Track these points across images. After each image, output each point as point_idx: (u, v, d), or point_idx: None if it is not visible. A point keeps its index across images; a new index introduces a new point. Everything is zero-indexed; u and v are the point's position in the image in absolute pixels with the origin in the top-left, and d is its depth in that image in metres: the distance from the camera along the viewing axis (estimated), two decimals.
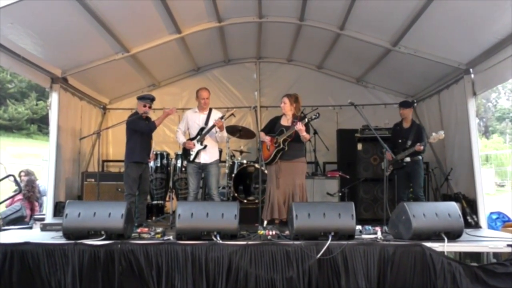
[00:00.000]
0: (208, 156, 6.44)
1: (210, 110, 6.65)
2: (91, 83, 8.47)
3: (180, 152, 8.26)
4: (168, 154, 8.31)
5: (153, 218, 7.85)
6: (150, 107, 6.64)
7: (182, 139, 6.63)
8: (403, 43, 7.16)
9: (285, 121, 6.34)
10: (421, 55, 7.21)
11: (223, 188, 8.29)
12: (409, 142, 6.85)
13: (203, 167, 6.44)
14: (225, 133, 6.47)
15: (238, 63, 9.84)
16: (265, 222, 6.13)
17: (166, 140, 9.53)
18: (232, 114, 6.52)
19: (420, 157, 6.87)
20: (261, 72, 9.84)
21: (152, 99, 6.68)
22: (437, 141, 6.66)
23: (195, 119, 6.62)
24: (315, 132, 8.78)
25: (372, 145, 8.02)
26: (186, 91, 9.84)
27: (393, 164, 6.94)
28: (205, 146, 6.40)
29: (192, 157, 6.46)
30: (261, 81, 9.84)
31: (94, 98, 9.00)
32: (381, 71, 8.63)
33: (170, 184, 8.04)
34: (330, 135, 9.22)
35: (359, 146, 8.12)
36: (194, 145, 6.45)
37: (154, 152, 7.82)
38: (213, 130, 6.40)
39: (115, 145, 9.56)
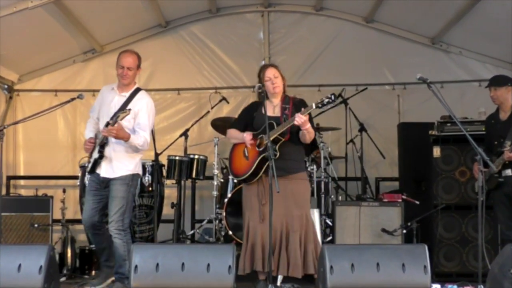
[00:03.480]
0: (112, 167, 6.40)
1: (137, 91, 6.58)
2: None
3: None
4: None
5: (93, 272, 7.83)
6: None
7: (87, 131, 6.62)
8: None
9: (270, 109, 6.27)
10: None
11: (209, 221, 8.25)
12: (508, 143, 6.77)
13: (105, 185, 6.44)
14: (136, 140, 6.32)
15: (234, 14, 9.87)
16: (280, 279, 6.10)
17: None
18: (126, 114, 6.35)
19: None
20: (272, 28, 9.87)
21: None
22: None
23: (109, 102, 6.53)
24: (362, 128, 8.75)
25: (458, 149, 7.94)
26: (147, 60, 9.73)
27: (486, 181, 6.87)
28: (102, 157, 6.36)
29: (89, 168, 6.46)
30: (272, 43, 9.86)
31: None
32: (472, 27, 8.60)
33: None
34: (387, 132, 9.25)
35: (437, 151, 8.05)
36: (94, 147, 6.45)
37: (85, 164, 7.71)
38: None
39: (29, 150, 9.57)
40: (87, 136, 6.55)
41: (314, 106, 5.89)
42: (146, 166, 8.07)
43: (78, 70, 9.70)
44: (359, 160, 8.72)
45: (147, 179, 8.00)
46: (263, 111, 6.11)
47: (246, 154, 6.18)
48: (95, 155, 6.36)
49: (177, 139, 8.53)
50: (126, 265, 6.23)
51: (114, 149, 6.36)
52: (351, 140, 8.71)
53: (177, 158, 8.14)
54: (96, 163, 6.36)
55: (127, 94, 6.45)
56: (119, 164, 6.37)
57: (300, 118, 5.85)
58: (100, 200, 6.43)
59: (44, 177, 9.15)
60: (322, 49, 9.62)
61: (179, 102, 9.79)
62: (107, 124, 6.22)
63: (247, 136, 6.18)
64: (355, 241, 7.36)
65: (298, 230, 6.01)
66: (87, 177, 6.53)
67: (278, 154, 5.94)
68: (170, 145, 8.45)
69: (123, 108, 6.30)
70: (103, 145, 6.33)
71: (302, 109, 5.99)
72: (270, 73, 6.25)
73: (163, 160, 8.12)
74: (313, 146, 8.50)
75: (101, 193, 6.41)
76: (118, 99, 6.45)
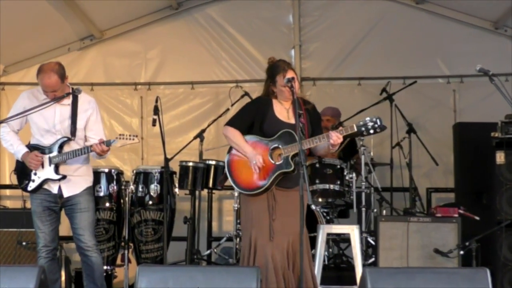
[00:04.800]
0: (75, 183, 6.49)
1: (75, 97, 6.55)
2: None
3: (142, 169, 8.25)
4: (119, 173, 8.33)
5: None
6: None
7: (16, 146, 6.54)
8: None
9: (282, 113, 6.23)
10: None
11: (229, 239, 8.25)
12: None
13: (65, 200, 6.48)
14: (108, 154, 6.58)
15: None
16: None
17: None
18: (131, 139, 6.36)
19: None
20: (304, 11, 9.89)
21: None
22: None
23: (45, 114, 6.51)
24: (410, 129, 8.71)
25: None
26: (155, 49, 9.93)
27: None
28: (63, 177, 6.43)
29: (31, 186, 6.46)
30: (303, 28, 9.89)
31: None
32: None
33: (124, 231, 8.08)
34: (440, 134, 9.26)
35: (500, 157, 8.00)
36: (42, 164, 6.45)
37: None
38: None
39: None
40: (20, 151, 6.48)
41: (355, 129, 5.83)
42: (154, 174, 8.11)
43: (74, 59, 9.77)
44: (407, 167, 8.69)
45: (155, 188, 8.03)
46: (276, 114, 6.16)
47: (256, 165, 6.08)
48: (50, 174, 6.40)
49: (190, 141, 8.53)
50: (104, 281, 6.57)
51: (70, 165, 6.46)
52: (398, 144, 8.66)
53: (190, 164, 8.14)
54: (45, 182, 6.42)
55: (68, 101, 6.49)
56: (80, 179, 6.51)
57: (338, 139, 5.82)
58: (57, 219, 6.55)
59: None
60: (362, 36, 9.63)
61: (193, 98, 9.85)
62: (62, 144, 6.38)
63: (259, 159, 6.03)
64: (403, 264, 7.32)
65: (307, 251, 6.05)
66: (34, 197, 6.51)
67: (295, 169, 5.93)
68: (183, 148, 8.43)
69: (74, 118, 6.42)
70: (59, 165, 6.40)
71: (340, 127, 5.96)
72: (292, 77, 6.12)
73: (174, 166, 8.12)
74: (353, 150, 8.49)
75: (57, 212, 6.52)
76: (61, 109, 6.48)
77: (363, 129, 5.80)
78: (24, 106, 6.45)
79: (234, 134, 6.17)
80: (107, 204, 8.08)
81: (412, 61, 9.45)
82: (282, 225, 6.00)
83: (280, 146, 6.01)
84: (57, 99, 6.34)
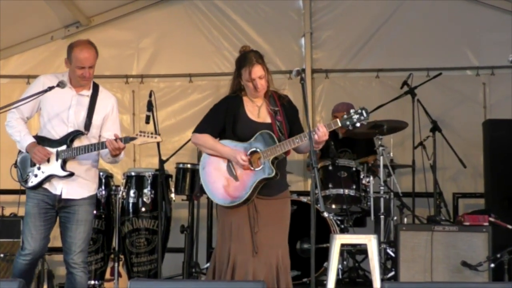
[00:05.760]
0: (80, 186, 6.50)
1: (96, 87, 6.63)
2: None
3: (133, 172, 8.25)
4: (108, 177, 8.35)
5: None
6: None
7: (24, 134, 6.52)
8: None
9: (253, 112, 6.27)
10: None
11: None
12: None
13: (63, 204, 6.47)
14: (121, 156, 6.57)
15: None
16: None
17: None
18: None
19: None
20: None
21: None
22: None
23: (64, 102, 6.57)
24: (435, 127, 8.70)
25: None
26: (149, 37, 9.94)
27: None
28: (71, 174, 6.45)
29: (33, 182, 6.46)
30: (315, 14, 9.90)
31: None
32: None
33: (114, 242, 8.10)
34: (468, 133, 9.27)
35: None
36: (48, 158, 6.47)
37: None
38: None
39: (7, 155, 9.61)
40: (26, 140, 6.47)
41: (339, 124, 5.91)
42: (147, 177, 8.11)
43: (58, 49, 9.69)
44: (430, 169, 8.67)
45: (149, 194, 8.03)
46: (247, 114, 6.17)
47: (234, 172, 6.11)
48: (55, 170, 6.38)
49: (188, 141, 8.47)
50: None
51: (80, 163, 6.47)
52: (421, 143, 8.64)
53: (188, 166, 8.19)
54: (49, 178, 6.42)
55: (88, 93, 6.52)
56: (87, 182, 6.51)
57: (324, 135, 5.84)
58: (51, 225, 6.53)
59: (12, 191, 9.14)
60: (381, 22, 9.63)
61: (192, 92, 9.88)
62: (73, 137, 6.39)
63: (243, 158, 6.02)
64: (426, 278, 7.34)
65: (283, 265, 6.05)
66: (31, 196, 6.48)
67: (278, 174, 5.97)
68: (180, 149, 8.50)
69: (91, 111, 6.45)
70: (66, 160, 6.39)
71: (319, 125, 5.91)
72: (256, 74, 6.09)
73: (170, 169, 8.18)
74: (369, 150, 8.48)
75: (53, 216, 6.50)
76: (78, 100, 6.51)
77: (347, 123, 5.87)
78: (42, 89, 6.42)
79: (205, 140, 6.18)
80: (95, 212, 8.06)
81: (437, 50, 9.44)
82: (266, 237, 6.00)
83: (258, 150, 6.01)
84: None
